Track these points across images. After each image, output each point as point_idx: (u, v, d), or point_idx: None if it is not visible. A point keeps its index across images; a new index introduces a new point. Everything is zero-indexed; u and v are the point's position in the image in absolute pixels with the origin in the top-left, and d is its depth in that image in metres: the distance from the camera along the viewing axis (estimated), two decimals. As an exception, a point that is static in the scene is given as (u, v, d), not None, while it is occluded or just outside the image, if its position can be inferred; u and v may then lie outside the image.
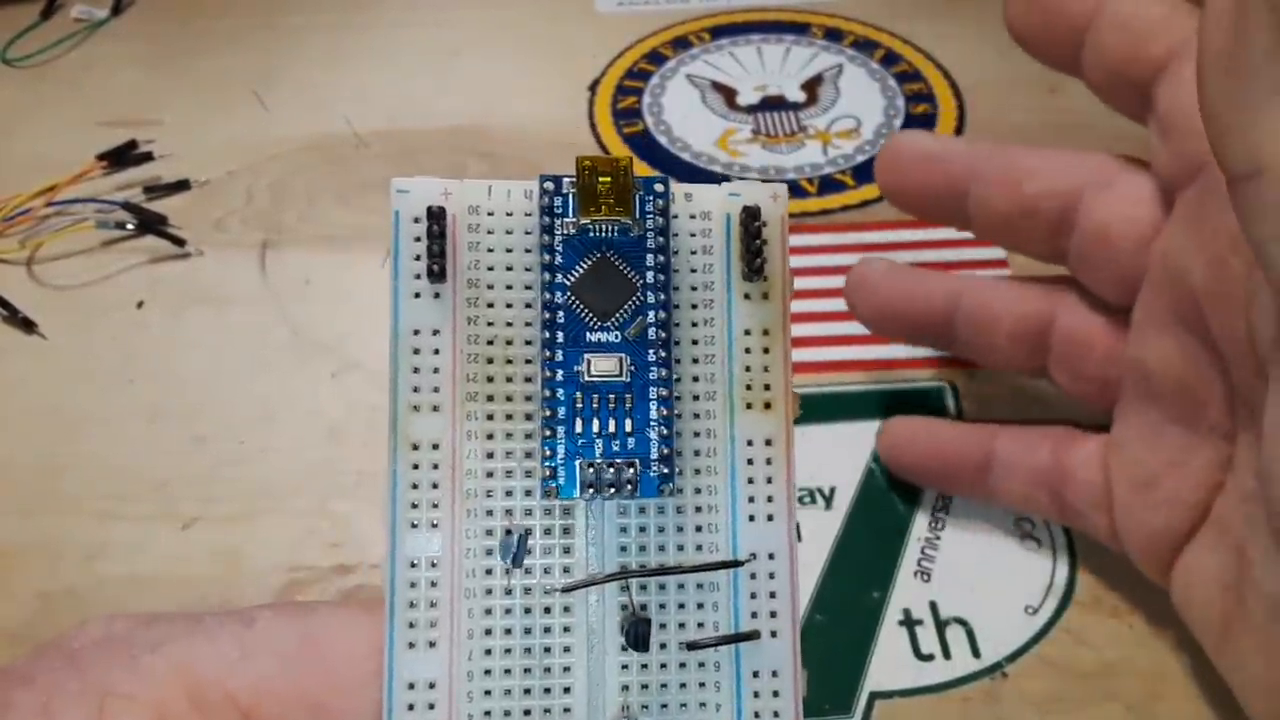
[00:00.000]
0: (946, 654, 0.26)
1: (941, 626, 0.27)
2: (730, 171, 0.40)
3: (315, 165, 0.40)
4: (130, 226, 0.37)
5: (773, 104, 0.43)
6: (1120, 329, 0.25)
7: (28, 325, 0.34)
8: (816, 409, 0.32)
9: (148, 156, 0.40)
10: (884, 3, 0.47)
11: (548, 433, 0.17)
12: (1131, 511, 0.25)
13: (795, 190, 0.39)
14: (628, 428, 0.17)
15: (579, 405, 0.17)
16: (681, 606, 0.17)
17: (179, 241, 0.37)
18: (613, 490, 0.17)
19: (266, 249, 0.37)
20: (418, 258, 0.18)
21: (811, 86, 0.43)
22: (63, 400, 0.32)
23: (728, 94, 0.43)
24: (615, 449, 0.17)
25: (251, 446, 0.31)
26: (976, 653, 0.26)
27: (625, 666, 0.17)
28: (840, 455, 0.31)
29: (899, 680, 0.26)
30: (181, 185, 0.39)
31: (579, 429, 0.17)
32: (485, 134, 0.41)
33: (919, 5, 0.47)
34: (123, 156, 0.40)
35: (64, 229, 0.37)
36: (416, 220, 0.18)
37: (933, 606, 0.27)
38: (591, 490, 0.17)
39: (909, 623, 0.27)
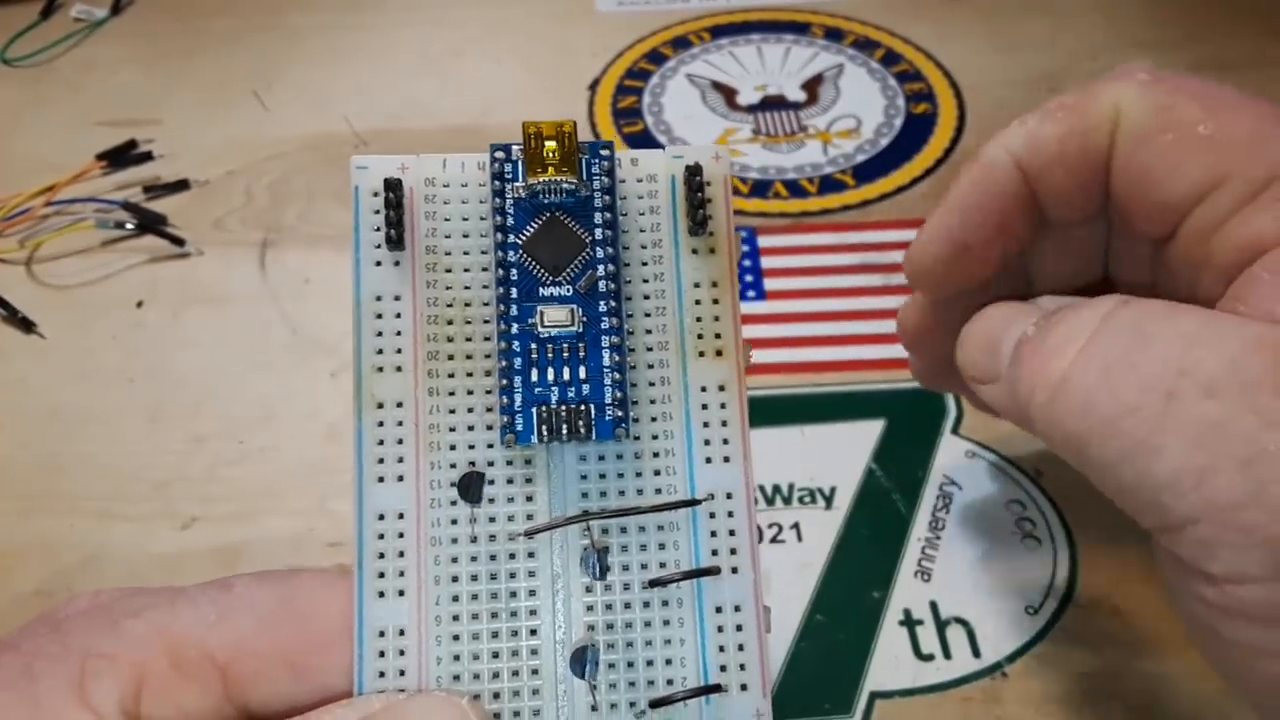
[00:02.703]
0: (947, 654, 0.26)
1: (942, 626, 0.27)
2: (730, 171, 0.40)
3: (315, 165, 0.40)
4: (130, 226, 0.37)
5: (773, 103, 0.43)
6: None
7: (27, 325, 0.34)
8: (816, 409, 0.32)
9: (147, 156, 0.40)
10: (884, 3, 0.47)
11: (505, 382, 0.18)
12: None
13: (795, 190, 0.39)
14: (582, 375, 0.18)
15: (534, 356, 0.18)
16: (643, 548, 0.18)
17: (178, 241, 0.37)
18: (567, 432, 0.17)
19: (266, 248, 0.37)
20: (377, 229, 0.18)
21: (812, 86, 0.43)
22: (62, 400, 0.32)
23: (728, 93, 0.43)
24: (571, 395, 0.18)
25: (251, 446, 0.31)
26: (976, 653, 0.26)
27: (590, 607, 0.18)
28: (840, 455, 0.30)
29: (899, 680, 0.26)
30: (181, 185, 0.39)
31: (535, 378, 0.18)
32: (485, 134, 0.41)
33: (919, 5, 0.47)
34: (122, 156, 0.40)
35: (64, 229, 0.37)
36: (375, 194, 0.18)
37: (933, 606, 0.27)
38: (548, 433, 0.17)
39: (909, 623, 0.27)
